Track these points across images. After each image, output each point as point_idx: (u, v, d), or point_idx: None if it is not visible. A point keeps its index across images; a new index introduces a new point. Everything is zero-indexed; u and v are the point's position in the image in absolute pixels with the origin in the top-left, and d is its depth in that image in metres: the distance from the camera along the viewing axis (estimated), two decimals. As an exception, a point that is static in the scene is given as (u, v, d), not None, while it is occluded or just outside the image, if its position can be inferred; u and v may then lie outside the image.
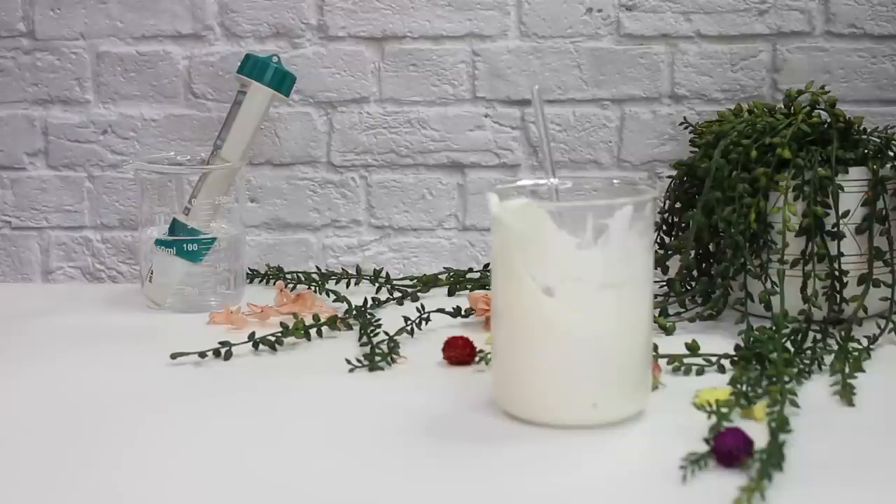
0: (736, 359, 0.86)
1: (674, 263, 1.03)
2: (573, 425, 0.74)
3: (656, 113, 1.15)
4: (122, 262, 1.18)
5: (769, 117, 1.00)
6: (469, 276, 1.11)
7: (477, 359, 0.88)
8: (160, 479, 0.68)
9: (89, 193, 1.18)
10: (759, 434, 0.70)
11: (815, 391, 0.82)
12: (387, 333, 0.93)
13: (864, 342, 0.90)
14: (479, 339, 0.90)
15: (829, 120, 0.98)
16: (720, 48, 1.14)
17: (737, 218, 0.95)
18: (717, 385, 0.81)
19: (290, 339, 0.93)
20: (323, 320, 0.96)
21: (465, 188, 1.16)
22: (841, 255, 0.95)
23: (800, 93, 1.01)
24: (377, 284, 1.10)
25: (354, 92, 1.16)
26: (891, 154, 0.99)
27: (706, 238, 1.00)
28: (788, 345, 0.88)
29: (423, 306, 0.98)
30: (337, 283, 1.11)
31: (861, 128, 1.01)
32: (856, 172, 0.97)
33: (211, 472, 0.70)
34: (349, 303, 1.02)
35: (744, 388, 0.78)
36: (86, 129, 1.17)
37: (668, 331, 0.96)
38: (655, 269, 0.95)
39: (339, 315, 0.99)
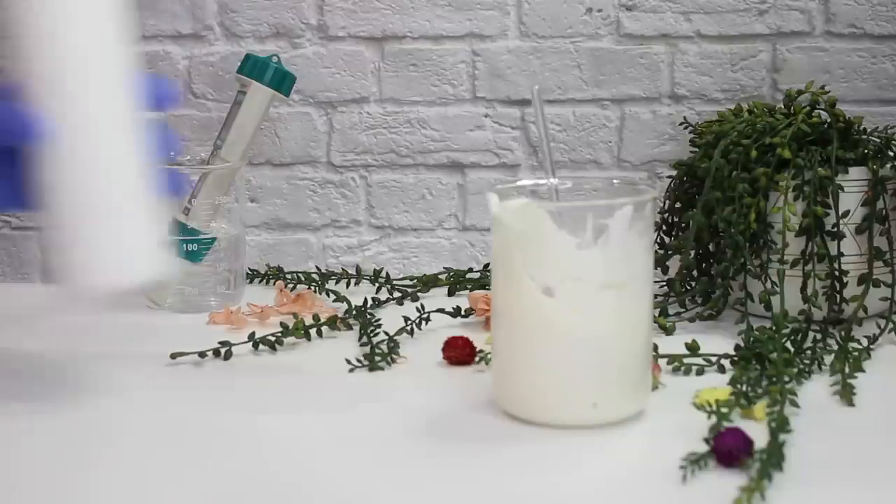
0: (736, 359, 0.86)
1: (674, 263, 1.03)
2: (573, 425, 0.74)
3: (656, 113, 1.15)
4: (122, 262, 1.18)
5: (769, 117, 1.00)
6: (469, 276, 1.11)
7: (477, 359, 0.88)
8: (160, 479, 0.68)
9: (89, 193, 1.18)
10: (759, 434, 0.70)
11: (815, 391, 0.82)
12: (387, 333, 0.93)
13: (864, 342, 0.90)
14: (479, 339, 0.90)
15: (829, 120, 0.98)
16: (720, 48, 1.14)
17: (737, 218, 0.95)
18: (717, 385, 0.81)
19: (290, 339, 0.93)
20: (323, 320, 0.96)
21: (465, 188, 1.17)
22: (841, 255, 0.95)
23: (800, 93, 1.01)
24: (377, 284, 1.10)
25: (354, 92, 1.16)
26: (891, 154, 0.99)
27: (706, 238, 1.00)
28: (788, 345, 0.88)
29: (423, 306, 0.98)
30: (337, 283, 1.11)
31: (861, 128, 1.01)
32: (856, 172, 0.97)
33: (210, 472, 0.70)
34: (349, 303, 1.02)
35: (744, 388, 0.78)
36: (86, 129, 1.17)
37: (668, 331, 0.96)
38: (655, 269, 0.95)
39: (339, 315, 0.99)
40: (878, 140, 1.00)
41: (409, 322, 0.96)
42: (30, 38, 0.74)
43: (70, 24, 0.74)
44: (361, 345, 0.93)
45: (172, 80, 0.76)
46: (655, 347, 0.86)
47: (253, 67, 1.08)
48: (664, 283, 1.03)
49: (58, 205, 0.75)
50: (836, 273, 0.95)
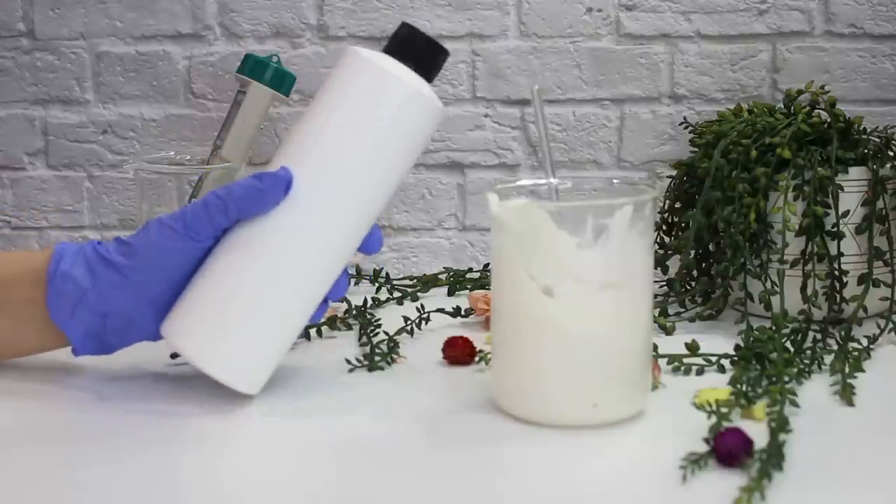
0: (736, 359, 0.86)
1: (674, 263, 1.03)
2: (573, 425, 0.74)
3: (656, 113, 1.15)
4: (122, 262, 1.18)
5: (769, 117, 1.00)
6: (469, 276, 1.11)
7: (477, 359, 0.88)
8: (160, 479, 0.68)
9: (89, 193, 1.18)
10: (759, 434, 0.70)
11: (815, 391, 0.82)
12: (387, 333, 0.93)
13: (864, 342, 0.90)
14: (479, 339, 0.90)
15: (829, 120, 0.98)
16: (720, 48, 1.14)
17: (737, 218, 0.95)
18: (717, 385, 0.81)
19: (289, 339, 0.93)
20: (322, 320, 0.96)
21: (464, 188, 1.17)
22: (841, 255, 0.95)
23: (800, 93, 1.01)
24: (377, 284, 1.10)
25: (354, 92, 1.16)
26: (891, 154, 0.99)
27: (706, 238, 1.00)
28: (788, 345, 0.88)
29: (422, 306, 0.98)
30: (337, 283, 1.11)
31: (861, 128, 1.01)
32: (856, 172, 0.97)
33: (209, 471, 0.70)
34: (349, 302, 1.02)
35: (744, 388, 0.78)
36: (85, 129, 1.17)
37: (668, 331, 0.96)
38: (655, 269, 0.95)
39: (339, 315, 0.99)
40: (878, 140, 1.00)
41: (408, 322, 0.96)
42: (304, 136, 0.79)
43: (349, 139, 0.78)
44: (361, 345, 0.93)
45: (379, 230, 0.82)
46: (655, 347, 0.86)
47: (253, 67, 1.08)
48: (664, 283, 1.03)
49: (224, 280, 0.78)
50: (836, 273, 0.95)
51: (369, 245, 0.82)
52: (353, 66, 0.79)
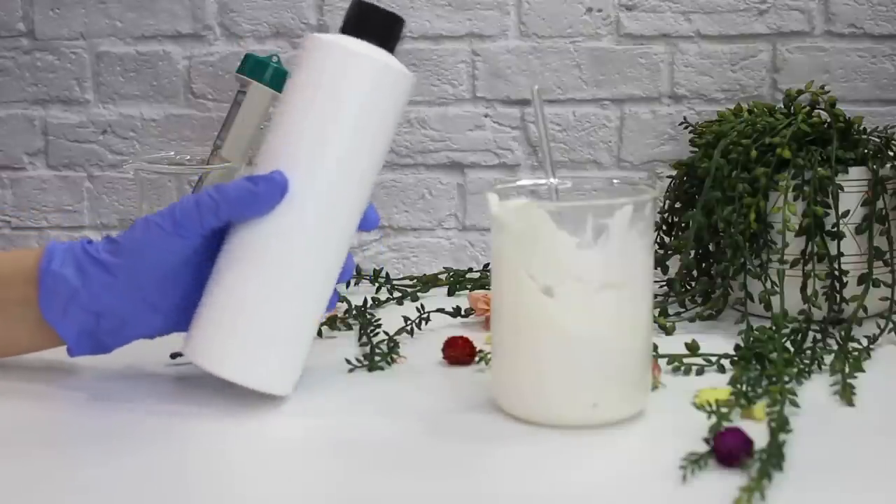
0: (736, 359, 0.86)
1: (674, 263, 1.03)
2: (573, 425, 0.74)
3: (656, 113, 1.15)
4: (122, 262, 1.18)
5: (769, 117, 1.00)
6: (469, 276, 1.11)
7: (477, 359, 0.88)
8: (160, 480, 0.68)
9: (89, 193, 1.18)
10: (759, 434, 0.70)
11: (815, 391, 0.82)
12: (387, 333, 0.93)
13: (864, 342, 0.90)
14: (479, 339, 0.90)
15: (829, 120, 0.98)
16: (720, 48, 1.14)
17: (737, 218, 0.95)
18: (717, 385, 0.81)
19: (289, 339, 0.93)
20: (323, 320, 0.96)
21: (464, 188, 1.17)
22: (841, 254, 0.95)
23: (800, 93, 1.01)
24: (377, 284, 1.10)
25: (354, 92, 1.16)
26: (891, 154, 0.99)
27: (706, 238, 1.00)
28: (788, 345, 0.88)
29: (422, 306, 0.98)
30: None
31: (861, 128, 1.01)
32: (856, 172, 0.97)
33: (209, 472, 0.70)
34: (349, 303, 1.02)
35: (744, 388, 0.78)
36: (85, 129, 1.17)
37: (668, 331, 0.96)
38: (655, 269, 0.95)
39: (339, 315, 0.99)
40: (878, 140, 1.00)
41: (409, 322, 0.96)
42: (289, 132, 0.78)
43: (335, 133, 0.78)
44: (361, 345, 0.93)
45: (373, 206, 0.83)
46: (655, 347, 0.86)
47: (253, 67, 1.08)
48: (664, 283, 1.03)
49: (236, 286, 0.78)
50: (836, 273, 0.95)
51: (367, 223, 0.82)
52: (318, 53, 0.79)
